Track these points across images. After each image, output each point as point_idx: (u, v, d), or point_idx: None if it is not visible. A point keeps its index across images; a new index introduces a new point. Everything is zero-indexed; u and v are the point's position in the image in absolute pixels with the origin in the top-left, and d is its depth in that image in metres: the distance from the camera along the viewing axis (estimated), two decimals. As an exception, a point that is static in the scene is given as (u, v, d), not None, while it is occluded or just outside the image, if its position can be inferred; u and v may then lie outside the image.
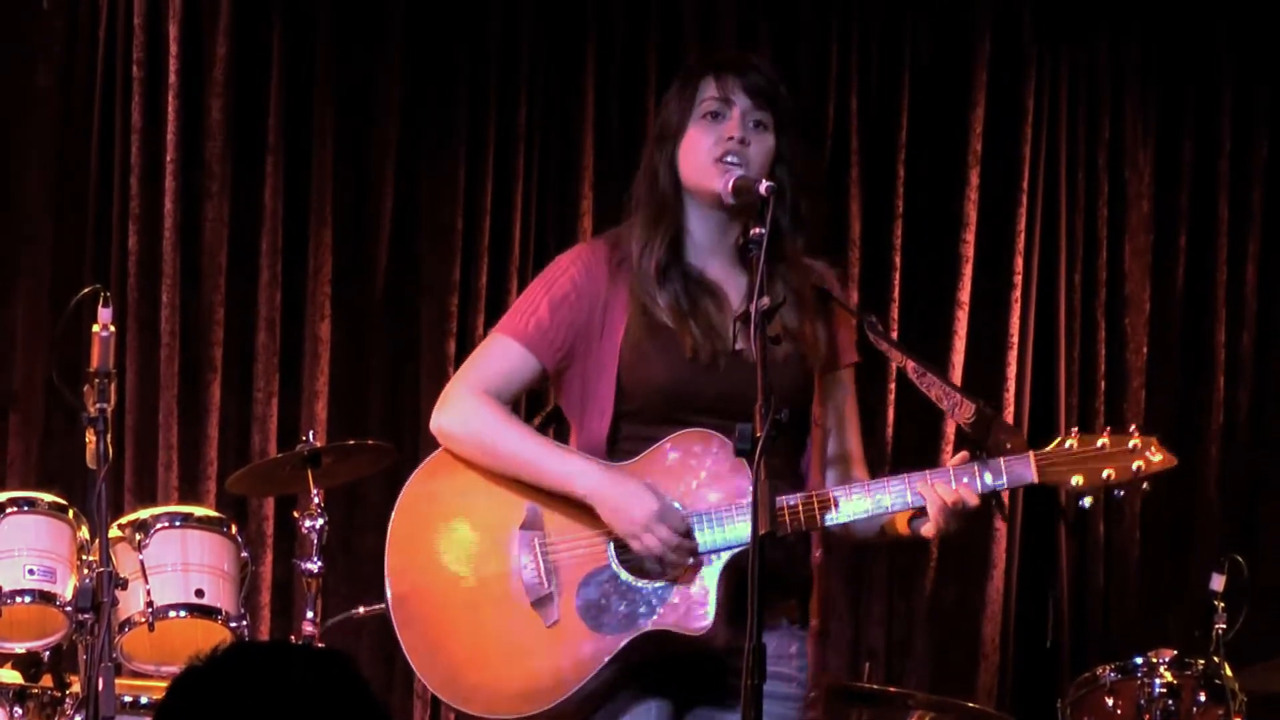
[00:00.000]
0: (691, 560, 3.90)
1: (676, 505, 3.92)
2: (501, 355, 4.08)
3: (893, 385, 7.62)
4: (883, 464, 7.54)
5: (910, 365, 4.10)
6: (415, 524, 4.06)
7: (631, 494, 3.91)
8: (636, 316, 4.02)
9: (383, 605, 4.35)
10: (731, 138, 3.99)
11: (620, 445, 4.03)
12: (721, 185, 3.98)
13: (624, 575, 3.95)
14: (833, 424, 4.15)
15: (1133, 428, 4.01)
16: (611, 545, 3.97)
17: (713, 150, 4.00)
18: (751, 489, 3.64)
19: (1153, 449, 3.95)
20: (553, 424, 4.43)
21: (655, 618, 3.91)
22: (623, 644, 3.91)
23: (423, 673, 4.02)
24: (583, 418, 4.08)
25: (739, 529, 3.89)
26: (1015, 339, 7.83)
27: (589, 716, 3.97)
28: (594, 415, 4.05)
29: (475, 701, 3.96)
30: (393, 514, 4.08)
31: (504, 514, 4.01)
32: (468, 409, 4.05)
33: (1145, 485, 3.97)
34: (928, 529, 3.95)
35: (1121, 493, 3.98)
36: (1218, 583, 6.14)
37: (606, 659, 3.91)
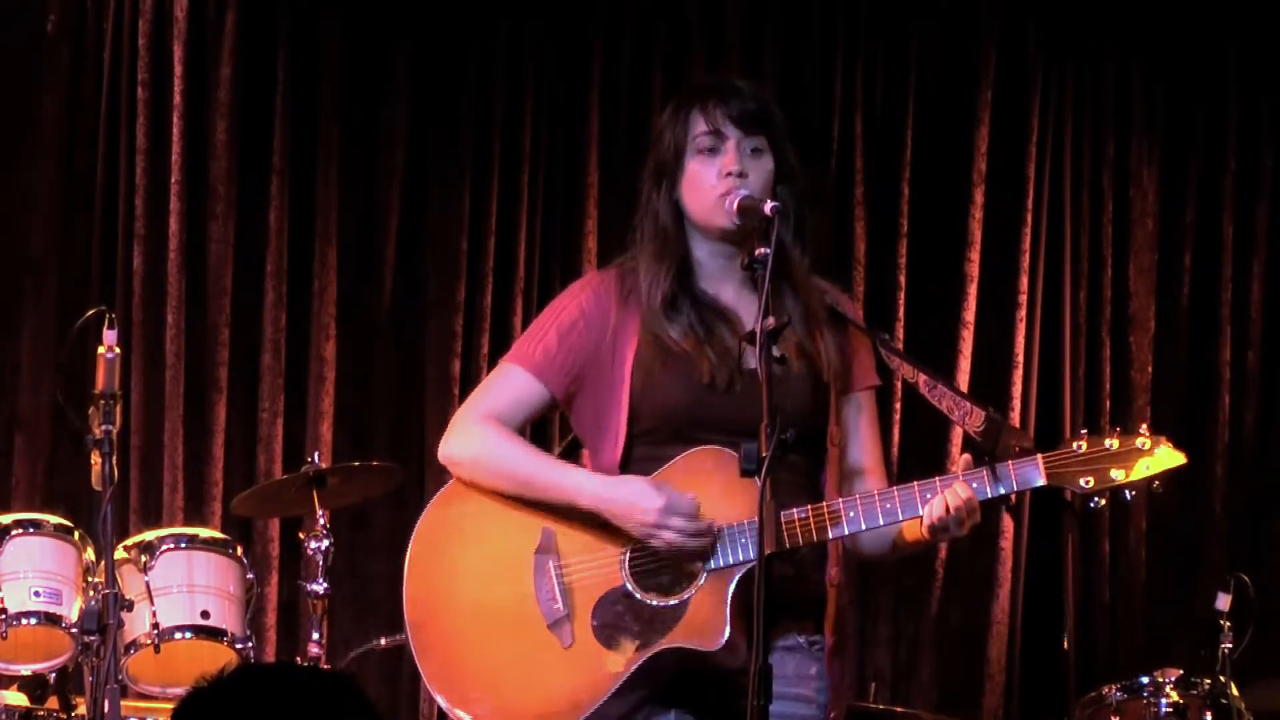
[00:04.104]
0: (714, 541, 3.92)
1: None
2: (509, 383, 4.12)
3: (898, 405, 7.63)
4: (889, 482, 7.53)
5: (922, 379, 4.11)
6: (432, 551, 4.09)
7: (636, 493, 3.93)
8: (648, 340, 4.04)
9: (402, 636, 4.36)
10: (730, 173, 4.01)
11: (633, 467, 4.04)
12: (728, 219, 4.01)
13: (638, 594, 3.96)
14: (850, 446, 4.15)
15: (1143, 427, 4.03)
16: (625, 565, 3.98)
17: (716, 187, 4.02)
18: (757, 509, 3.64)
19: (1161, 447, 3.97)
20: (577, 450, 4.42)
21: (670, 635, 3.92)
22: (639, 662, 3.93)
23: (443, 698, 4.03)
24: (596, 442, 4.10)
25: (753, 545, 3.90)
26: (1020, 358, 7.82)
27: None
28: (607, 439, 4.07)
29: None
30: (410, 542, 4.12)
31: (519, 539, 4.03)
32: (470, 434, 4.09)
33: (1156, 485, 3.98)
34: (928, 521, 3.93)
35: (1132, 494, 3.98)
36: (1224, 602, 6.14)
37: (623, 678, 3.92)
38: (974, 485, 3.93)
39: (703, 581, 3.93)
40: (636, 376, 4.03)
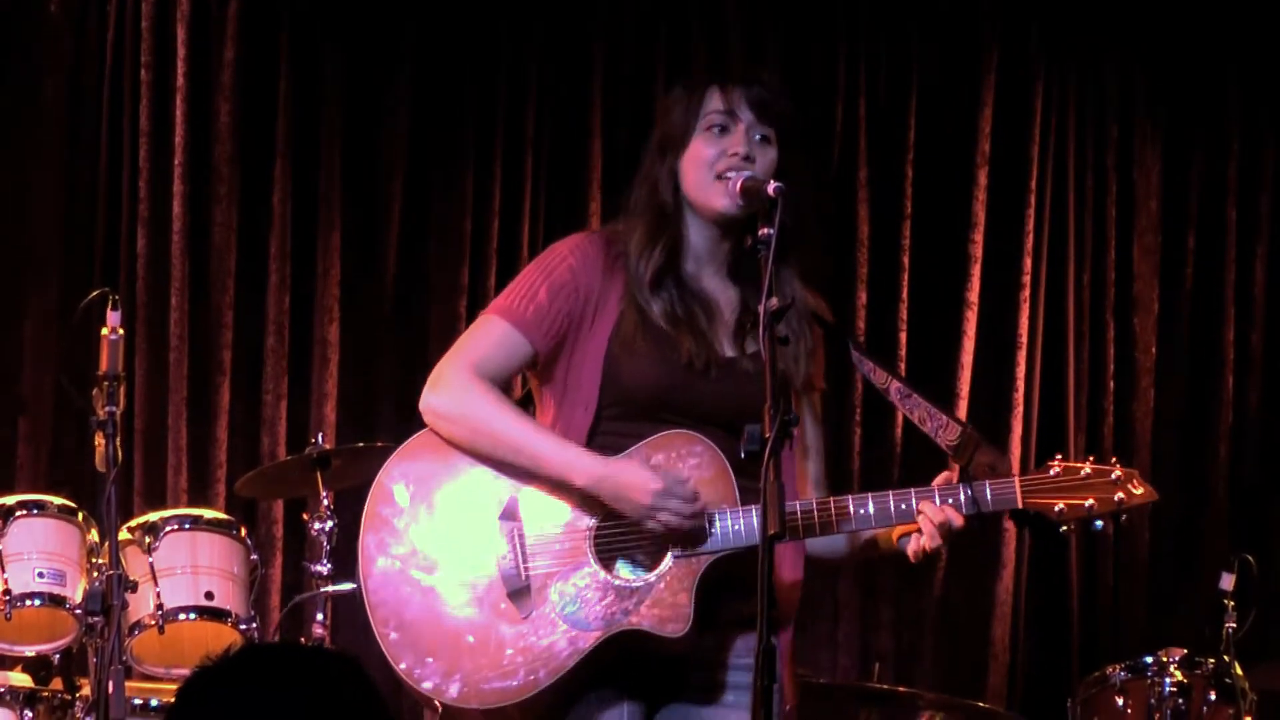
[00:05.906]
0: (705, 525, 3.88)
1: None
2: (496, 337, 4.04)
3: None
4: (889, 481, 7.52)
5: (894, 386, 4.11)
6: (392, 505, 4.03)
7: (634, 477, 3.88)
8: (629, 313, 4.00)
9: (352, 586, 4.31)
10: (735, 153, 3.98)
11: (598, 439, 4.00)
12: (724, 202, 3.97)
13: (603, 573, 3.93)
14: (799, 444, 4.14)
15: (1114, 460, 4.04)
16: (591, 540, 3.94)
17: (715, 165, 3.99)
18: (761, 489, 3.58)
19: (1134, 482, 3.98)
20: (528, 406, 4.35)
21: (633, 617, 3.89)
22: (598, 642, 3.88)
23: (392, 656, 3.95)
24: (561, 407, 4.04)
25: (723, 533, 3.88)
26: (1024, 339, 7.82)
27: (561, 716, 3.94)
28: (576, 406, 4.02)
29: (445, 690, 3.92)
30: (370, 492, 4.05)
31: (484, 501, 3.98)
32: (461, 390, 4.01)
33: (1124, 517, 3.99)
34: (914, 546, 3.94)
35: (1100, 524, 3.98)
36: (1227, 582, 6.14)
37: (581, 656, 3.88)
38: (949, 502, 3.92)
39: (668, 566, 3.90)
40: (614, 347, 3.99)
